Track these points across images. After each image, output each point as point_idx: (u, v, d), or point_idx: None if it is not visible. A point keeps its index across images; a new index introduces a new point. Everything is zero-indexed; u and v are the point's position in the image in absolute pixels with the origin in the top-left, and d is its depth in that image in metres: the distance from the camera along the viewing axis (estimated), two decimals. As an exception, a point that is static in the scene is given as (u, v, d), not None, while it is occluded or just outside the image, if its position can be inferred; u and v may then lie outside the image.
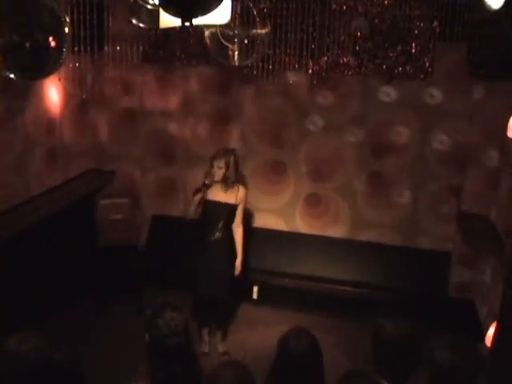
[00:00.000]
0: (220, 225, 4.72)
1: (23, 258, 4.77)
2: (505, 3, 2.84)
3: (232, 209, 4.76)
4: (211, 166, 4.65)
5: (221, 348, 4.98)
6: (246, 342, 5.00)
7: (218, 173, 4.62)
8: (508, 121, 4.02)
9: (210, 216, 4.73)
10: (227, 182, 4.67)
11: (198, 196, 4.64)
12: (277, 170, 5.93)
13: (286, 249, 5.88)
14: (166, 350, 2.39)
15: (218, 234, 4.73)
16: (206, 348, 4.91)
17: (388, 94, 5.49)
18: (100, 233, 5.66)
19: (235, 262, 4.81)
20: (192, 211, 4.72)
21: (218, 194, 4.70)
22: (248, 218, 5.96)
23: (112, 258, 5.45)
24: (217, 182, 4.65)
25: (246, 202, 4.92)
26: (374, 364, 2.46)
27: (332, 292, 5.59)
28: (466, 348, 2.20)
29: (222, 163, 4.62)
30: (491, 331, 3.72)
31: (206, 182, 4.61)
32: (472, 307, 5.31)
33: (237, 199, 4.75)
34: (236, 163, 4.73)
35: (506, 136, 4.14)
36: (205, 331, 4.98)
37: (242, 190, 4.78)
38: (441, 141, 5.49)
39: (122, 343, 4.71)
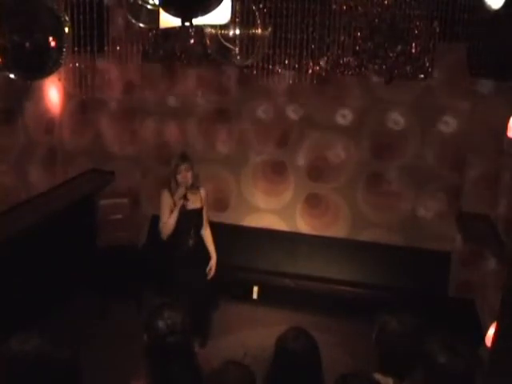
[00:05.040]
0: (192, 232, 4.60)
1: (23, 257, 4.77)
2: (505, 3, 2.83)
3: (200, 213, 4.66)
4: (176, 173, 4.47)
5: None
6: (246, 342, 5.00)
7: (187, 176, 4.47)
8: (508, 121, 4.02)
9: (181, 226, 4.53)
10: (194, 186, 4.55)
11: (185, 202, 4.47)
12: (277, 170, 5.93)
13: (286, 249, 5.88)
14: (164, 349, 2.38)
15: (191, 242, 4.60)
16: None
17: (388, 94, 5.49)
18: (100, 233, 5.66)
19: (209, 264, 4.70)
20: (172, 224, 4.49)
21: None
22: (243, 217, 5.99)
23: (112, 258, 5.45)
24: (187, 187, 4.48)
25: (208, 202, 4.82)
26: (376, 360, 2.47)
27: (332, 292, 5.59)
28: (463, 348, 2.20)
29: (188, 166, 4.49)
30: (491, 331, 3.72)
31: (183, 184, 4.46)
32: (472, 307, 5.31)
33: (202, 201, 4.66)
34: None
35: (506, 136, 4.14)
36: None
37: (203, 191, 4.69)
38: (441, 141, 5.50)
39: (121, 343, 4.71)
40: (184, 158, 4.57)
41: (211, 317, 5.18)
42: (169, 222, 4.51)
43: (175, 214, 4.49)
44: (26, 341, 1.96)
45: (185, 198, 4.49)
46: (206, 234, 4.77)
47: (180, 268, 4.61)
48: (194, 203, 4.61)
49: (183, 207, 4.50)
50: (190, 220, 4.60)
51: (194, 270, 4.63)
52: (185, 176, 4.48)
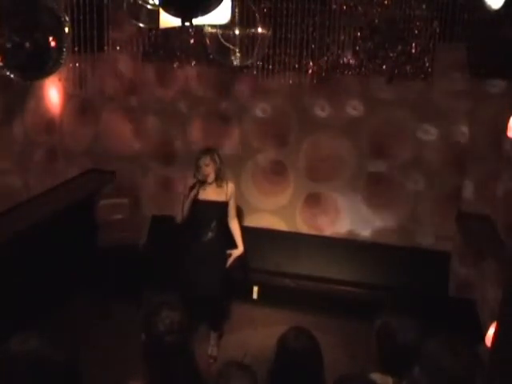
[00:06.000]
0: (213, 225, 4.68)
1: (23, 258, 4.77)
2: (505, 3, 2.83)
3: (223, 206, 4.73)
4: (197, 167, 4.60)
5: (210, 350, 4.90)
6: (246, 342, 5.00)
7: (207, 170, 4.57)
8: (508, 121, 4.02)
9: (201, 216, 4.67)
10: (219, 179, 4.65)
11: (192, 194, 4.57)
12: (277, 170, 5.93)
13: (286, 249, 5.88)
14: (162, 349, 2.38)
15: (210, 234, 4.67)
16: (214, 351, 4.90)
17: (388, 94, 5.49)
18: (100, 233, 5.66)
19: (227, 258, 4.74)
20: (185, 213, 4.62)
21: (208, 194, 4.65)
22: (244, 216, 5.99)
23: (112, 258, 5.45)
24: (209, 182, 4.61)
25: (236, 196, 4.88)
26: (376, 360, 2.47)
27: (332, 292, 5.59)
28: (463, 348, 2.20)
29: (207, 160, 4.58)
30: (491, 331, 3.72)
31: (199, 178, 4.57)
32: (472, 307, 5.31)
33: (227, 196, 4.73)
34: (221, 160, 4.70)
35: (506, 136, 4.14)
36: (213, 334, 4.95)
37: (231, 185, 4.77)
38: (441, 141, 5.49)
39: (121, 343, 4.70)
40: (205, 152, 4.66)
41: (225, 312, 5.26)
42: (180, 210, 4.62)
43: (186, 204, 4.59)
44: (26, 341, 1.96)
45: (191, 188, 4.57)
46: (234, 226, 4.83)
47: (193, 261, 4.67)
48: (218, 196, 4.68)
49: (186, 197, 4.56)
50: (209, 212, 4.66)
51: (207, 263, 4.65)
52: (204, 170, 4.58)
